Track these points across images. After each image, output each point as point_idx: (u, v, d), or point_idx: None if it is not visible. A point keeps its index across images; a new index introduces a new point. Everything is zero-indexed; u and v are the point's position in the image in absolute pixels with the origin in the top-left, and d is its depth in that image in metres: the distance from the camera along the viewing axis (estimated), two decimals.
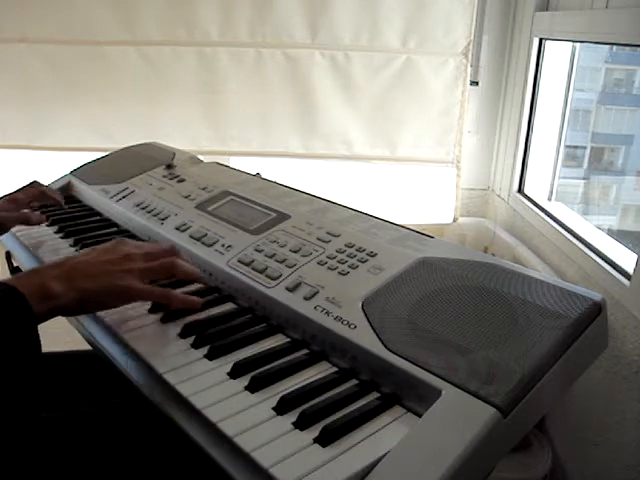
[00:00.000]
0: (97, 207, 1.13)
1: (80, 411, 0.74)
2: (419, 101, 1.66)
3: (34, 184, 1.01)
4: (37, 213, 0.98)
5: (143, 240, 0.98)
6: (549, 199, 1.63)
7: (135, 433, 0.71)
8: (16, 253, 0.99)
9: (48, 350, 0.91)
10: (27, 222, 0.95)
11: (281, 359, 0.66)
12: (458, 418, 0.53)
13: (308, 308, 0.70)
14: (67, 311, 0.65)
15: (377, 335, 0.64)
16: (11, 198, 0.96)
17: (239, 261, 0.82)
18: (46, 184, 1.23)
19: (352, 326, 0.66)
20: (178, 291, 0.78)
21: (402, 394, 0.60)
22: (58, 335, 0.87)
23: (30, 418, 0.69)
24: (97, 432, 0.71)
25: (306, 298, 0.72)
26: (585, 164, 1.98)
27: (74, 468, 0.66)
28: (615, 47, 1.65)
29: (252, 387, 0.61)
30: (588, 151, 1.97)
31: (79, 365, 0.90)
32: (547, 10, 1.54)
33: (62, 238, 0.99)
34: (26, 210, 0.97)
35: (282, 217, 0.90)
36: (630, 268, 1.08)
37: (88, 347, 0.79)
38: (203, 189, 1.03)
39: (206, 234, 0.90)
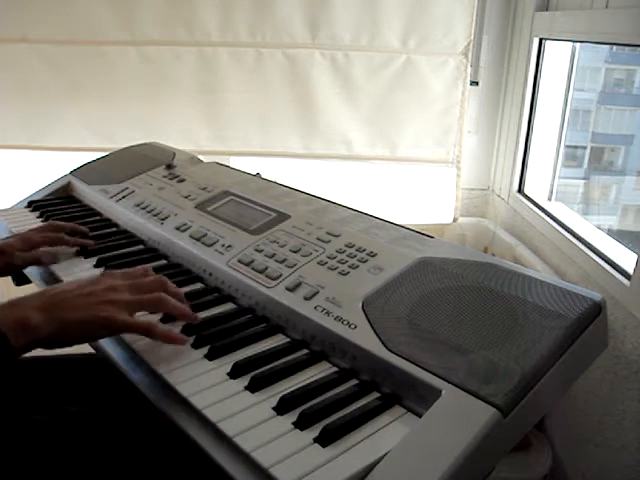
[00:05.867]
0: (97, 207, 1.13)
1: (72, 412, 0.73)
2: (419, 101, 1.66)
3: (50, 226, 0.95)
4: (49, 252, 0.91)
5: (142, 240, 0.98)
6: (549, 199, 1.63)
7: (131, 433, 0.70)
8: None
9: (42, 354, 0.91)
10: (39, 263, 0.90)
11: (281, 359, 0.66)
12: (458, 418, 0.53)
13: (308, 308, 0.70)
14: (48, 343, 0.62)
15: (377, 335, 0.64)
16: (25, 237, 0.91)
17: (239, 261, 0.82)
18: (46, 184, 1.24)
19: (352, 326, 0.66)
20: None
21: (402, 394, 0.60)
22: None
23: (22, 417, 0.68)
24: (90, 433, 0.70)
25: (306, 298, 0.72)
26: (585, 164, 1.98)
27: (68, 470, 0.65)
28: (615, 47, 1.65)
29: (252, 387, 0.61)
30: (588, 151, 1.97)
31: (75, 368, 0.89)
32: (547, 10, 1.54)
33: None
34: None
35: (282, 217, 0.90)
36: (630, 268, 1.08)
37: (83, 350, 0.79)
38: (203, 189, 1.03)
39: (206, 234, 0.90)
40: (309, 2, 1.57)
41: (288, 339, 0.71)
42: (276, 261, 0.79)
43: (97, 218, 1.09)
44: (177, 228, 0.93)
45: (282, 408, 0.58)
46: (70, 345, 0.67)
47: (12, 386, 0.58)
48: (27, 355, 0.85)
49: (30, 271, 0.94)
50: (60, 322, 0.62)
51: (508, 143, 1.71)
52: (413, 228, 0.85)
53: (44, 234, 0.92)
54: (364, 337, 0.64)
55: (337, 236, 0.82)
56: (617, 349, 1.10)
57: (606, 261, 1.18)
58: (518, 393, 0.55)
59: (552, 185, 1.63)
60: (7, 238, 0.91)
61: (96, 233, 1.00)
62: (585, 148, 1.96)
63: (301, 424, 0.56)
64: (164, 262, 0.91)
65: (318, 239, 0.82)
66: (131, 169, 1.17)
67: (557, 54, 1.55)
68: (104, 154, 1.31)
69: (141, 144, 1.33)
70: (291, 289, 0.74)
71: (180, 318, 0.71)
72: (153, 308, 0.70)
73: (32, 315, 0.60)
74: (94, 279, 0.69)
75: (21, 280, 1.00)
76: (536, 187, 1.64)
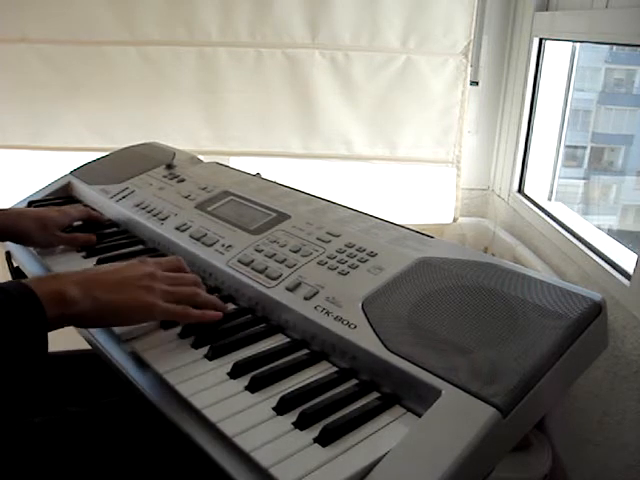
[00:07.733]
0: (97, 207, 1.12)
1: (72, 412, 0.73)
2: (419, 101, 1.66)
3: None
4: (84, 234, 0.97)
5: (143, 240, 0.98)
6: (549, 199, 1.63)
7: (131, 433, 0.70)
8: (16, 253, 0.99)
9: None
10: (74, 244, 0.96)
11: (281, 359, 0.66)
12: (458, 418, 0.53)
13: (308, 308, 0.70)
14: (81, 319, 0.63)
15: (377, 335, 0.63)
16: (62, 210, 0.98)
17: (239, 261, 0.82)
18: (46, 184, 1.24)
19: (352, 326, 0.66)
20: None
21: (402, 394, 0.60)
22: (53, 334, 0.88)
23: (20, 419, 0.68)
24: (89, 434, 0.70)
25: (306, 298, 0.72)
26: (585, 164, 1.98)
27: (68, 471, 0.65)
28: (615, 47, 1.65)
29: (252, 387, 0.61)
30: (588, 151, 1.98)
31: (74, 366, 0.89)
32: (547, 10, 1.54)
33: None
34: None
35: (282, 217, 0.90)
36: (630, 268, 1.08)
37: (83, 347, 0.79)
38: (203, 189, 1.03)
39: (206, 234, 0.90)
40: (309, 2, 1.57)
41: (288, 339, 0.71)
42: (276, 261, 0.79)
43: None
44: (177, 228, 0.93)
45: (282, 408, 0.58)
46: (106, 326, 0.68)
47: (41, 358, 0.57)
48: None
49: (30, 271, 0.94)
50: (95, 301, 0.63)
51: (508, 143, 1.71)
52: (413, 228, 0.85)
53: (80, 211, 1.02)
54: (364, 337, 0.64)
55: (337, 236, 0.82)
56: (617, 349, 1.10)
57: (606, 261, 1.18)
58: (518, 393, 0.55)
59: (552, 185, 1.63)
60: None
61: (96, 233, 1.00)
62: (585, 148, 1.96)
63: (301, 424, 0.56)
64: None
65: (318, 239, 0.82)
66: (131, 169, 1.17)
67: (557, 54, 1.55)
68: (104, 154, 1.31)
69: (141, 144, 1.33)
70: (291, 289, 0.74)
71: (212, 309, 0.73)
72: (188, 301, 0.71)
73: (69, 289, 0.61)
74: (132, 264, 0.70)
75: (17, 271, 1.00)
76: (536, 187, 1.64)
